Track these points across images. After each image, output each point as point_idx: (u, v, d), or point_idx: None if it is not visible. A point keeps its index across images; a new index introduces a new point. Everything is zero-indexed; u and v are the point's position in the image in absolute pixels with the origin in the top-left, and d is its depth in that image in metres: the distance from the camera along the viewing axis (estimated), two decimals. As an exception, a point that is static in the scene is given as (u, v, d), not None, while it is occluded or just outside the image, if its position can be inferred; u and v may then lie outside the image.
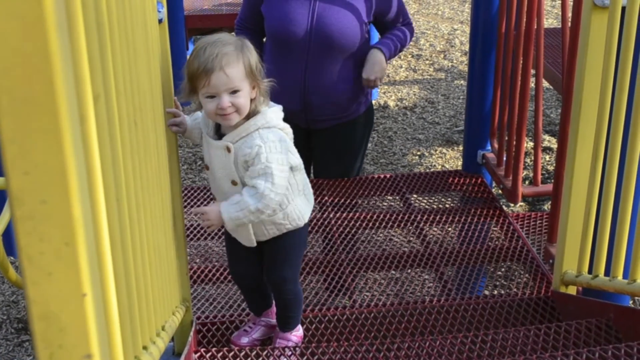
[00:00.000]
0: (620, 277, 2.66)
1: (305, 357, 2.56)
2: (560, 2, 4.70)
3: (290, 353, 2.58)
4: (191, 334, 2.53)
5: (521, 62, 3.96)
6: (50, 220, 0.96)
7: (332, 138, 4.16)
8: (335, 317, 2.93)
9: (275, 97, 3.71)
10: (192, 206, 4.47)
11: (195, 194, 4.59)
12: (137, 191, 1.66)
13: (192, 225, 4.15)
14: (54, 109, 0.94)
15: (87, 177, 1.12)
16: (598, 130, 2.71)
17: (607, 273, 2.74)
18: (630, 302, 3.42)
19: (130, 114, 1.66)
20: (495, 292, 3.51)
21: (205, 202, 4.48)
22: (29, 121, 0.94)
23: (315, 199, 4.30)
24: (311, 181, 4.45)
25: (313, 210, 4.32)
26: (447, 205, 4.36)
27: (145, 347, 1.67)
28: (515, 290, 3.45)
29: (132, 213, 1.57)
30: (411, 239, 3.99)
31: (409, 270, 3.68)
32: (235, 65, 2.30)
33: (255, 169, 2.35)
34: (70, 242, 0.96)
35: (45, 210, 0.96)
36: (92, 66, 1.24)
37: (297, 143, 4.21)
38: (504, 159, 4.26)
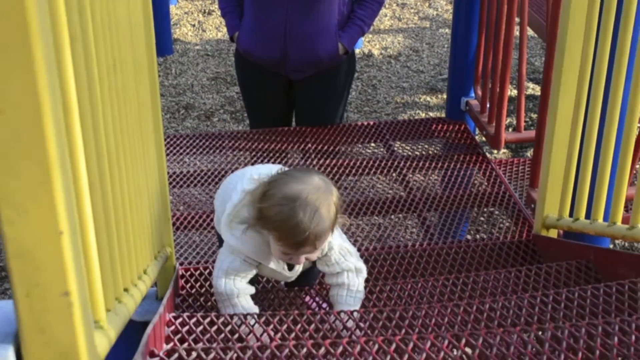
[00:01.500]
0: (600, 220, 2.68)
1: (287, 300, 2.58)
2: (544, -54, 4.66)
3: (283, 294, 2.60)
4: (173, 278, 2.54)
5: (505, 10, 3.94)
6: (25, 158, 0.96)
7: (313, 87, 4.15)
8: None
9: (255, 46, 3.69)
10: (175, 154, 4.46)
11: (179, 142, 4.57)
12: (116, 134, 1.65)
13: (174, 172, 4.15)
14: (29, 48, 0.93)
15: (63, 117, 1.12)
16: (581, 77, 2.71)
17: (587, 216, 2.77)
18: (611, 245, 3.45)
19: (109, 57, 1.64)
20: (478, 236, 3.54)
21: (188, 151, 4.47)
22: (3, 59, 0.92)
23: (298, 146, 4.30)
24: (293, 129, 4.46)
25: (295, 158, 4.34)
26: (430, 152, 4.37)
27: (126, 289, 1.68)
28: (497, 234, 3.47)
29: (112, 156, 1.56)
30: (394, 185, 4.00)
31: (392, 216, 3.70)
32: (325, 237, 2.21)
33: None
34: (45, 181, 0.96)
35: (21, 149, 0.96)
36: (69, 7, 1.22)
37: (278, 91, 4.24)
38: (488, 105, 4.26)
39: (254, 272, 2.38)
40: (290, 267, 2.42)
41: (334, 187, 2.24)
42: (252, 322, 2.17)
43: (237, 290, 2.36)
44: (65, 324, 1.03)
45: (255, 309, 2.36)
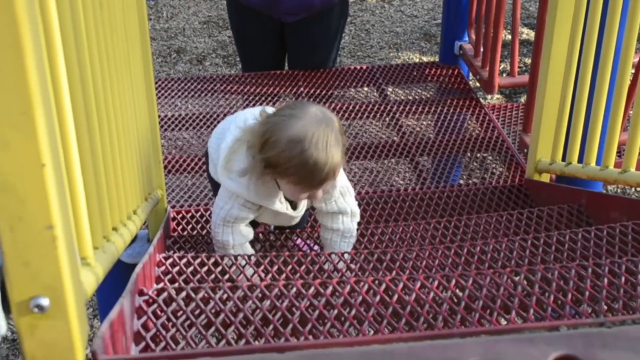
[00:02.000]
0: (593, 164, 2.67)
1: (279, 242, 2.57)
2: None
3: (274, 237, 2.60)
4: (164, 220, 2.53)
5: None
6: (5, 89, 0.93)
7: (305, 29, 4.10)
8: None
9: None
10: (167, 97, 4.42)
11: (170, 86, 4.53)
12: (103, 72, 1.62)
13: (166, 116, 4.12)
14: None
15: (45, 49, 1.09)
16: (574, 21, 2.68)
17: (580, 160, 2.76)
18: (603, 190, 3.45)
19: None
20: (470, 181, 3.53)
21: (180, 94, 4.43)
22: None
23: (290, 90, 4.27)
24: (285, 72, 4.43)
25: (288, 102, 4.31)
26: (423, 97, 4.34)
27: (115, 229, 1.67)
28: (489, 179, 3.47)
29: (98, 93, 1.54)
30: (387, 130, 3.98)
31: (385, 161, 3.69)
32: (341, 165, 2.15)
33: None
34: (26, 112, 0.94)
35: (0, 79, 0.93)
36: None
37: (270, 35, 4.19)
38: (481, 50, 4.22)
39: (252, 217, 2.33)
40: (294, 207, 2.36)
41: (329, 111, 2.18)
42: (243, 263, 2.16)
43: (236, 238, 2.32)
44: (49, 257, 1.02)
45: (250, 251, 2.34)
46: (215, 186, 2.47)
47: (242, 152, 2.20)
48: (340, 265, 2.16)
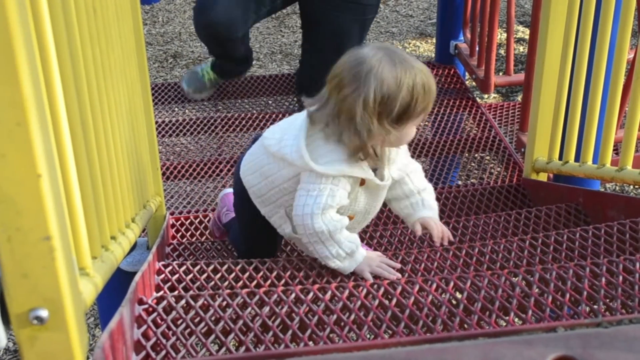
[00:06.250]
0: (589, 162, 2.67)
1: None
2: None
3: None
4: (164, 227, 2.53)
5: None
6: (0, 100, 0.94)
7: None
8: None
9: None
10: (164, 103, 4.43)
11: (167, 91, 4.54)
12: (98, 80, 1.62)
13: (163, 122, 4.12)
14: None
15: (39, 58, 1.09)
16: (568, 18, 2.68)
17: (577, 159, 2.76)
18: (601, 188, 3.45)
19: (89, 0, 1.61)
20: (469, 182, 3.53)
21: (177, 99, 4.44)
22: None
23: (288, 92, 4.28)
24: (282, 75, 4.43)
25: (285, 103, 4.31)
26: (420, 97, 4.33)
27: (113, 237, 1.67)
28: (487, 179, 3.47)
29: (94, 101, 1.54)
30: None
31: (382, 163, 3.68)
32: None
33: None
34: (21, 122, 0.94)
35: (-5, 90, 0.94)
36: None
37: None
38: (477, 49, 4.22)
39: (345, 201, 2.09)
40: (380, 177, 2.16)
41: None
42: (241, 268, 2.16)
43: (338, 223, 2.08)
44: (47, 269, 1.02)
45: (357, 239, 2.14)
46: (245, 204, 2.29)
47: (318, 140, 2.05)
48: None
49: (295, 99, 4.36)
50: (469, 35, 4.38)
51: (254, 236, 2.39)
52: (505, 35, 5.55)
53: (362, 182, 2.10)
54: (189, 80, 4.32)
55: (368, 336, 1.60)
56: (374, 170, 2.11)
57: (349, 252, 2.07)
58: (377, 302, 1.72)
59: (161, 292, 2.00)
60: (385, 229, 2.62)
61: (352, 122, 1.94)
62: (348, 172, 2.03)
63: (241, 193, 2.28)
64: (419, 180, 2.28)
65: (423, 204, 2.25)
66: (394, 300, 1.71)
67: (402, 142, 2.08)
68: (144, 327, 1.64)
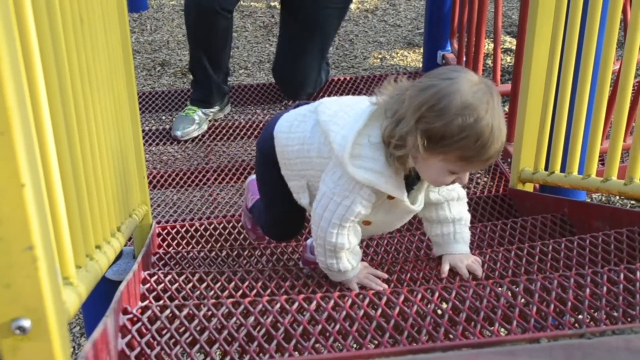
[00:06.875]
0: (575, 173, 2.69)
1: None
2: None
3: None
4: (150, 236, 2.52)
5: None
6: (-17, 110, 0.94)
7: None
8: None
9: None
10: (151, 111, 4.42)
11: (155, 99, 4.53)
12: (84, 89, 1.62)
13: (150, 130, 4.12)
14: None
15: (24, 67, 1.09)
16: (554, 30, 2.70)
17: (562, 169, 2.77)
18: (588, 198, 3.47)
19: (75, 9, 1.61)
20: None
21: (164, 108, 4.43)
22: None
23: (275, 101, 4.28)
24: (272, 84, 4.43)
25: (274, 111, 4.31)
26: (407, 107, 4.34)
27: (98, 246, 1.66)
28: (474, 189, 3.48)
29: (79, 110, 1.54)
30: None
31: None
32: None
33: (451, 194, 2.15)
34: (5, 131, 0.94)
35: (-22, 100, 0.93)
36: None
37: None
38: (464, 59, 4.24)
39: (367, 214, 1.99)
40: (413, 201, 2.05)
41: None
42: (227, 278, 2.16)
43: (352, 240, 2.01)
44: (30, 278, 1.02)
45: (358, 258, 2.08)
46: (272, 188, 2.24)
47: (370, 138, 1.90)
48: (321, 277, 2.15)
49: (282, 108, 4.36)
50: (456, 46, 4.40)
51: (277, 204, 2.29)
52: (492, 45, 5.58)
53: (391, 196, 1.98)
54: (177, 125, 4.18)
55: (353, 346, 1.60)
56: (410, 187, 2.00)
57: (342, 270, 2.05)
58: (362, 312, 1.72)
59: (146, 302, 1.99)
60: (371, 238, 2.62)
61: (411, 149, 1.81)
62: (377, 185, 1.89)
63: (267, 151, 2.18)
64: (458, 209, 2.17)
65: (454, 238, 2.17)
66: (379, 311, 1.71)
67: (433, 179, 1.92)
68: (128, 337, 1.64)
